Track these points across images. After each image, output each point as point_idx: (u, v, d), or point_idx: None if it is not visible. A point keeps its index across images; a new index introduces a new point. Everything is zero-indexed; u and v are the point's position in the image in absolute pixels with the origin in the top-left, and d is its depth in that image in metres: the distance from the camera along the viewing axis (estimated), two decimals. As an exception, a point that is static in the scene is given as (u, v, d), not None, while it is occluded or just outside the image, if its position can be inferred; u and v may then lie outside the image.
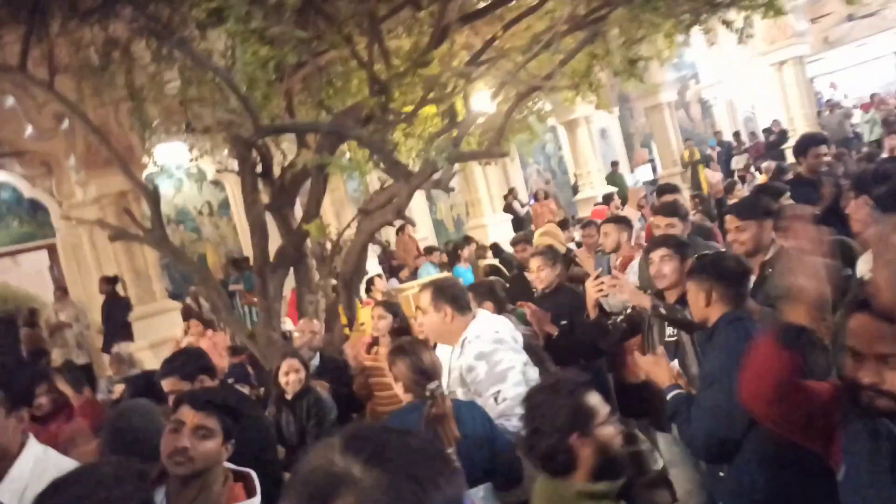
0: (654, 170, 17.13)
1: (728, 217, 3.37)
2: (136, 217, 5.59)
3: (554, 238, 4.52)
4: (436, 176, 4.51)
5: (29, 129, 8.09)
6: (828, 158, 4.82)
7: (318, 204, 5.23)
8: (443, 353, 2.81)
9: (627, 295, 3.01)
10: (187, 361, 2.72)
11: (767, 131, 14.46)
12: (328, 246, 5.35)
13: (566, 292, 3.77)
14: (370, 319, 6.52)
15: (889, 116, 11.59)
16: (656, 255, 3.14)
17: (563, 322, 3.43)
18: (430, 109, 5.08)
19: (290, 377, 3.60)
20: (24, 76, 5.07)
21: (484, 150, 4.08)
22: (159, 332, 8.49)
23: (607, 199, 11.27)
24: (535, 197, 12.86)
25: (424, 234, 13.65)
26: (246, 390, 4.69)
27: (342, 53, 4.58)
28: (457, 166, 4.88)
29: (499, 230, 11.72)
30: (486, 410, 2.52)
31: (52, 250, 9.99)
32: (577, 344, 3.36)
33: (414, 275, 9.51)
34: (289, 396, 3.61)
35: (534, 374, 2.72)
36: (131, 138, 7.72)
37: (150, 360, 8.30)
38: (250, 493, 1.81)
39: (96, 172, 8.03)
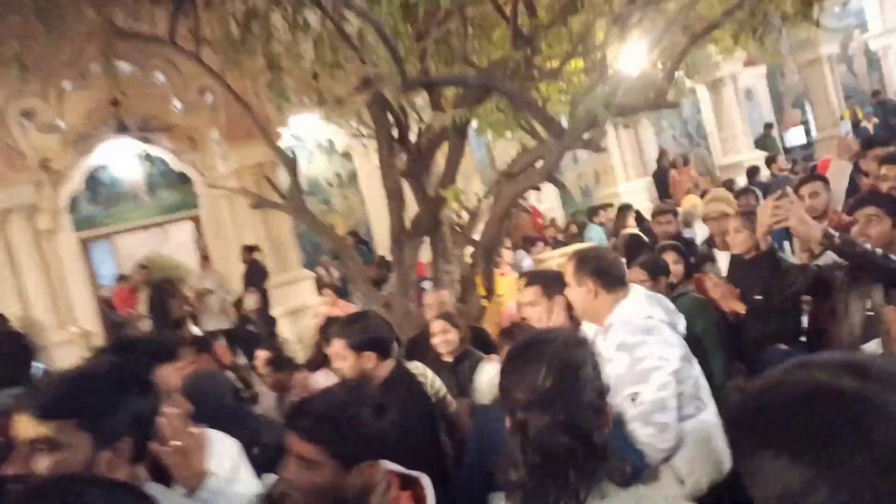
0: (807, 132, 15.49)
1: None
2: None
3: (727, 204, 3.94)
4: (586, 135, 4.09)
5: (176, 104, 8.45)
6: None
7: (455, 169, 4.97)
8: (589, 331, 2.48)
9: (793, 220, 2.47)
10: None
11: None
12: (464, 214, 5.10)
13: (766, 262, 3.12)
14: (511, 289, 6.27)
15: None
16: (862, 214, 2.66)
17: (757, 297, 2.91)
18: (577, 64, 4.64)
19: (444, 337, 3.40)
20: (173, 48, 5.17)
21: (650, 101, 3.61)
22: (294, 300, 8.74)
23: (751, 170, 10.23)
24: (674, 164, 11.96)
25: (550, 204, 13.17)
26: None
27: (483, 7, 4.24)
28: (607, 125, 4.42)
29: (633, 199, 11.01)
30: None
31: (196, 221, 10.51)
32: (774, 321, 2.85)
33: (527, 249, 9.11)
34: (448, 358, 3.41)
35: (693, 371, 2.31)
36: (268, 110, 7.89)
37: (287, 326, 8.59)
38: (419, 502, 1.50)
39: (236, 144, 8.29)
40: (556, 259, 5.59)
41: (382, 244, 11.30)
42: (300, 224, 10.51)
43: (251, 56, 5.93)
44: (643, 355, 2.19)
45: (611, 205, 9.05)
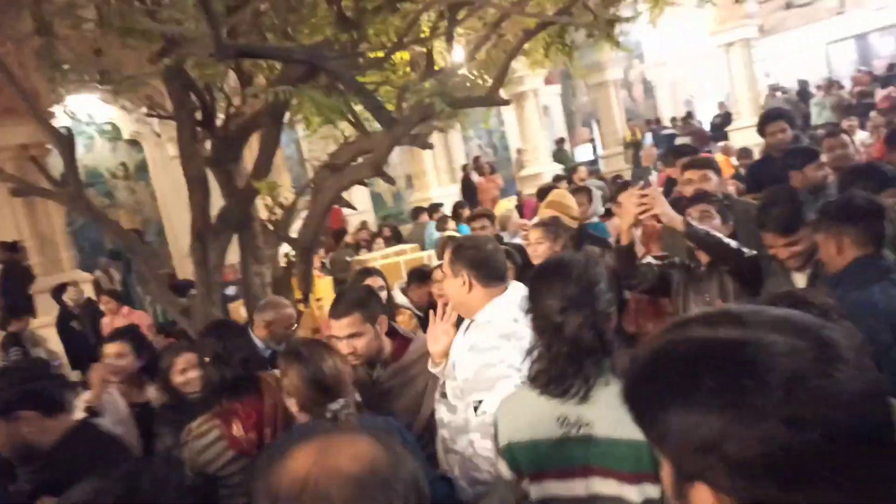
0: (594, 149, 16.99)
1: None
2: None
3: (561, 210, 3.92)
4: (414, 130, 3.88)
5: None
6: (786, 135, 4.44)
7: (270, 159, 4.50)
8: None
9: (659, 209, 2.51)
10: None
11: (718, 116, 14.49)
12: (278, 209, 4.63)
13: (624, 258, 3.07)
14: (328, 292, 5.86)
15: (841, 102, 11.73)
16: (696, 209, 2.78)
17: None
18: (404, 55, 4.43)
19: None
20: None
21: (485, 96, 3.48)
22: (67, 308, 7.49)
23: (557, 178, 10.89)
24: (481, 171, 12.36)
25: (361, 206, 12.93)
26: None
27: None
28: (435, 122, 4.25)
29: (445, 203, 11.16)
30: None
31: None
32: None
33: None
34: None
35: None
36: (37, 83, 6.68)
37: (56, 340, 7.31)
38: None
39: (-8, 120, 6.89)
40: (378, 260, 5.35)
41: (176, 244, 10.20)
42: (76, 218, 9.11)
43: (16, 15, 4.92)
44: (495, 361, 1.98)
45: (441, 204, 9.02)
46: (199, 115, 4.48)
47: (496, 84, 3.41)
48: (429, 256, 5.32)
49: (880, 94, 11.60)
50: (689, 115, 15.80)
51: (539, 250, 3.34)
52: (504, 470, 1.71)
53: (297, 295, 4.38)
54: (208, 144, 4.59)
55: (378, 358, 2.43)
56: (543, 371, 1.64)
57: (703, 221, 2.65)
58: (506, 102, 3.59)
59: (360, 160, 3.93)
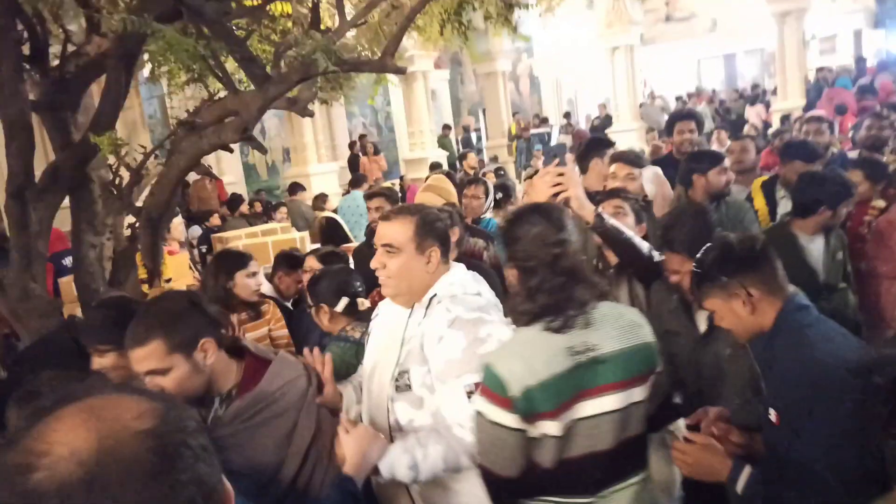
0: (477, 139, 16.94)
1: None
2: None
3: (439, 195, 3.54)
4: (293, 94, 3.38)
5: None
6: (694, 135, 4.42)
7: (114, 110, 3.79)
8: (388, 318, 1.98)
9: (573, 192, 2.21)
10: None
11: (597, 118, 14.85)
12: (124, 171, 3.94)
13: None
14: (182, 271, 5.17)
15: (718, 110, 12.30)
16: (609, 205, 2.60)
17: None
18: (286, 7, 3.89)
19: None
20: None
21: (376, 61, 3.04)
22: None
23: (433, 165, 10.62)
24: (364, 150, 11.84)
25: (232, 177, 12.01)
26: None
27: None
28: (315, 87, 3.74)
29: (323, 182, 10.57)
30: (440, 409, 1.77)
31: None
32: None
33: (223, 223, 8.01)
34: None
35: None
36: None
37: None
38: None
39: None
40: (241, 239, 4.75)
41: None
42: None
43: None
44: (485, 335, 1.76)
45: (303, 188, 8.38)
46: (26, 49, 3.70)
47: (389, 50, 2.99)
48: (301, 239, 4.81)
49: (749, 110, 12.37)
50: (568, 115, 16.17)
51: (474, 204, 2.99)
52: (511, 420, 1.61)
53: (142, 273, 3.74)
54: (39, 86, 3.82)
55: (214, 391, 1.75)
56: (545, 308, 1.66)
57: (615, 218, 2.41)
58: (401, 70, 3.17)
59: (225, 122, 3.37)
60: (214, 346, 1.69)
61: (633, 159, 3.17)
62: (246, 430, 1.68)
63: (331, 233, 5.95)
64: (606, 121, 14.01)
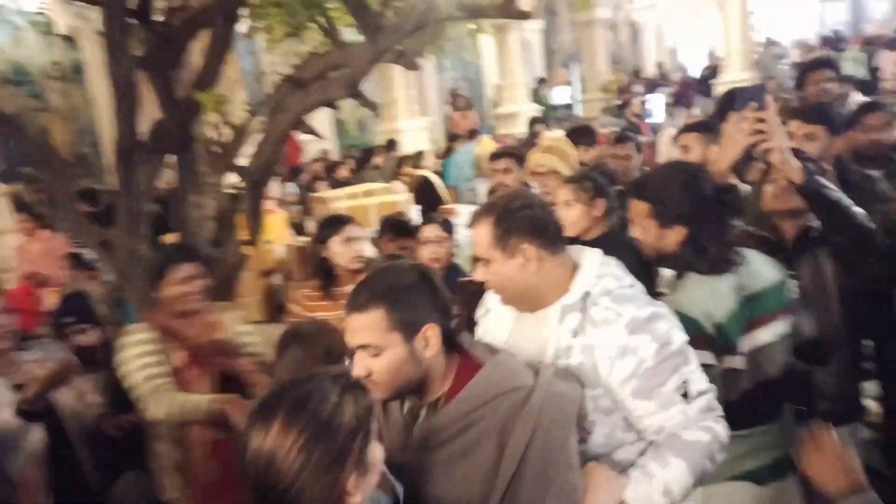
0: (571, 93, 16.21)
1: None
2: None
3: (560, 157, 3.22)
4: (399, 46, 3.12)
5: None
6: (833, 86, 3.79)
7: (218, 67, 3.68)
8: (508, 317, 1.66)
9: (777, 143, 1.92)
10: None
11: (708, 68, 13.80)
12: (227, 130, 3.84)
13: (618, 246, 2.17)
14: (280, 232, 5.14)
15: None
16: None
17: None
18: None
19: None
20: None
21: (499, 5, 2.74)
22: (-19, 222, 6.58)
23: (534, 121, 10.13)
24: (456, 106, 11.53)
25: (323, 134, 12.00)
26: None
27: None
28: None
29: (413, 138, 10.37)
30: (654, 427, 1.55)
31: None
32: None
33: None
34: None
35: None
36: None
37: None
38: None
39: None
40: (342, 200, 4.62)
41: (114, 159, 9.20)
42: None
43: None
44: (665, 330, 1.53)
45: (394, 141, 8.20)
46: (132, 4, 3.62)
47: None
48: (405, 201, 4.61)
49: (885, 57, 11.05)
50: (661, 66, 15.02)
51: (571, 214, 2.62)
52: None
53: (245, 235, 3.66)
54: (144, 43, 3.74)
55: (424, 395, 1.46)
56: (716, 256, 1.84)
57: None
58: (526, 15, 2.86)
59: (330, 76, 3.17)
60: (439, 336, 1.40)
61: (813, 115, 2.68)
62: (436, 461, 1.36)
63: (426, 194, 5.75)
64: (712, 72, 12.99)
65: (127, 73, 3.54)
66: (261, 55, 10.10)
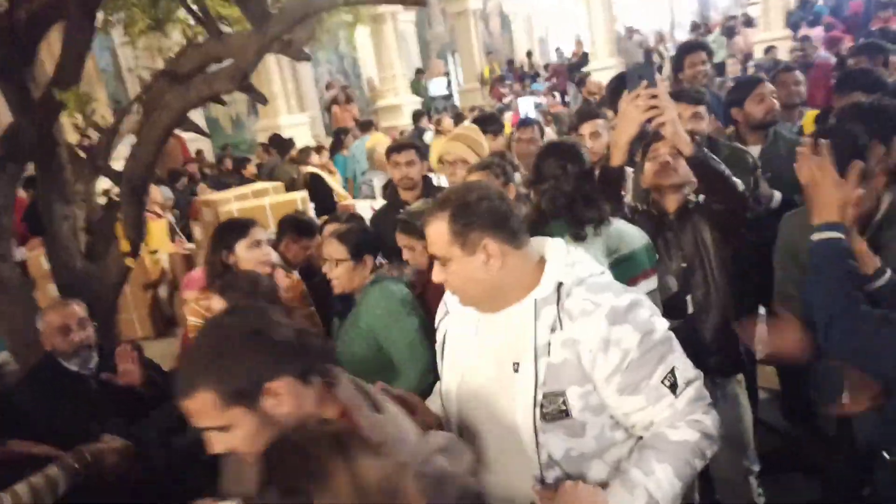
0: (448, 83, 16.35)
1: None
2: None
3: (469, 145, 3.17)
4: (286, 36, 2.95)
5: None
6: (706, 68, 4.07)
7: (79, 63, 3.33)
8: (473, 320, 1.53)
9: (669, 117, 1.98)
10: None
11: (575, 56, 14.34)
12: (92, 132, 3.49)
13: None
14: (163, 240, 4.74)
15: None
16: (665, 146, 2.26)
17: None
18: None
19: None
20: None
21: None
22: None
23: (418, 114, 10.12)
24: (336, 100, 11.28)
25: (192, 135, 11.34)
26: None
27: None
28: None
29: (295, 134, 10.02)
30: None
31: None
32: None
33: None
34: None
35: None
36: None
37: None
38: None
39: None
40: (231, 203, 4.34)
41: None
42: None
43: None
44: (647, 318, 1.40)
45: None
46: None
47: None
48: (302, 199, 4.40)
49: (738, 40, 11.97)
50: (529, 55, 15.50)
51: None
52: None
53: (125, 246, 3.35)
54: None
55: None
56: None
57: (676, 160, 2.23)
58: (422, 2, 2.77)
59: (212, 70, 2.95)
60: (290, 385, 1.20)
61: (695, 96, 2.84)
62: None
63: (317, 191, 5.55)
64: (583, 58, 13.57)
65: (-31, 72, 3.13)
66: (119, 50, 9.36)
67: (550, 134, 5.61)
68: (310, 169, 6.00)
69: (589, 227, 2.10)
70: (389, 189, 3.69)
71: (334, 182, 5.94)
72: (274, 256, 2.78)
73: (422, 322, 2.30)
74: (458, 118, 7.87)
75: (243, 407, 1.17)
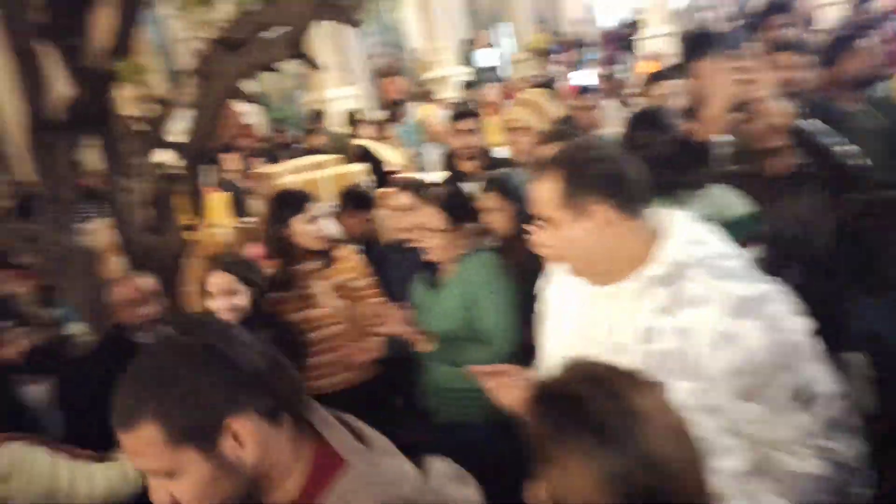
0: (496, 55, 15.99)
1: None
2: None
3: (535, 111, 3.02)
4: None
5: None
6: (790, 30, 3.76)
7: (131, 30, 3.29)
8: (578, 290, 1.38)
9: (762, 92, 1.97)
10: None
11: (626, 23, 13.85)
12: (151, 103, 3.46)
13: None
14: (223, 213, 4.72)
15: None
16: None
17: None
18: None
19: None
20: None
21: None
22: None
23: (467, 85, 9.87)
24: (384, 72, 11.16)
25: (245, 107, 11.38)
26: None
27: None
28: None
29: (342, 106, 9.95)
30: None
31: None
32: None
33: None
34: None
35: None
36: None
37: None
38: None
39: None
40: (290, 175, 4.27)
41: (16, 144, 8.41)
42: None
43: None
44: (780, 315, 1.21)
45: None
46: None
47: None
48: (359, 172, 4.31)
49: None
50: (577, 24, 14.91)
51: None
52: None
53: (185, 219, 3.32)
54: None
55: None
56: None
57: None
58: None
59: (274, 37, 2.86)
60: (256, 423, 0.96)
61: (799, 45, 2.60)
62: None
63: (371, 164, 5.46)
64: (635, 26, 13.03)
65: (26, 41, 3.11)
66: (167, 23, 9.39)
67: (607, 105, 5.38)
68: (358, 141, 5.91)
69: (684, 193, 1.95)
70: (448, 159, 3.55)
71: (390, 153, 5.83)
72: (334, 230, 2.69)
73: (513, 293, 2.24)
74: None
75: (196, 448, 0.93)
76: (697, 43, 3.22)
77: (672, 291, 1.24)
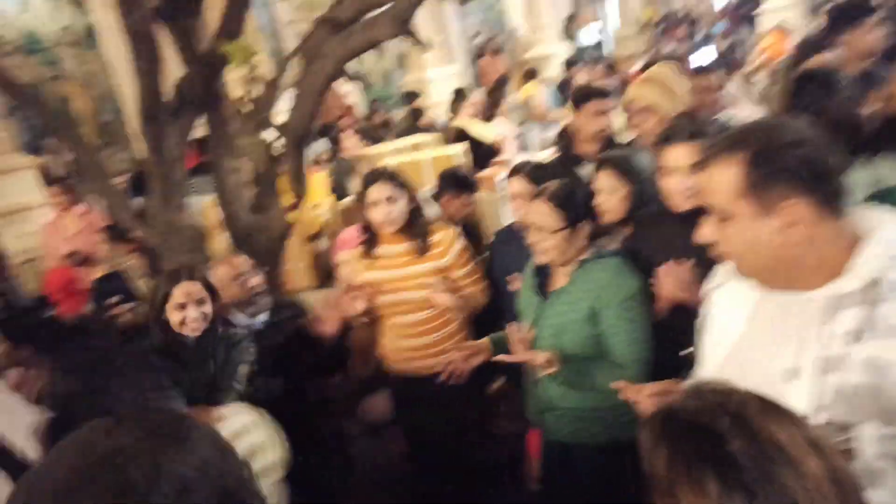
0: (599, 32, 15.39)
1: None
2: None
3: (661, 90, 2.75)
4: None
5: None
6: None
7: (241, 14, 3.32)
8: (742, 307, 1.18)
9: None
10: None
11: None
12: (258, 84, 3.49)
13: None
14: (323, 193, 4.79)
15: None
16: None
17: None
18: None
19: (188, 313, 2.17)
20: None
21: None
22: (8, 198, 6.35)
23: (569, 62, 9.55)
24: (485, 51, 10.98)
25: (345, 86, 11.56)
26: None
27: None
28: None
29: (442, 86, 9.89)
30: None
31: None
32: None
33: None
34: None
35: None
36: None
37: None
38: None
39: None
40: (390, 156, 4.25)
41: (135, 125, 8.91)
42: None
43: None
44: None
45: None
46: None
47: None
48: (461, 153, 4.21)
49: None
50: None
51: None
52: None
53: (288, 199, 3.35)
54: None
55: None
56: None
57: None
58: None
59: (378, 15, 2.79)
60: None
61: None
62: None
63: (470, 146, 5.35)
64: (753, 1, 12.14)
65: (142, 24, 3.19)
66: (276, 6, 9.63)
67: (728, 85, 4.97)
68: (456, 122, 5.79)
69: (858, 157, 1.78)
70: (562, 140, 3.33)
71: (489, 130, 5.68)
72: (434, 211, 2.61)
73: (648, 305, 1.94)
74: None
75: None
76: (846, 13, 2.87)
77: (867, 313, 1.01)
